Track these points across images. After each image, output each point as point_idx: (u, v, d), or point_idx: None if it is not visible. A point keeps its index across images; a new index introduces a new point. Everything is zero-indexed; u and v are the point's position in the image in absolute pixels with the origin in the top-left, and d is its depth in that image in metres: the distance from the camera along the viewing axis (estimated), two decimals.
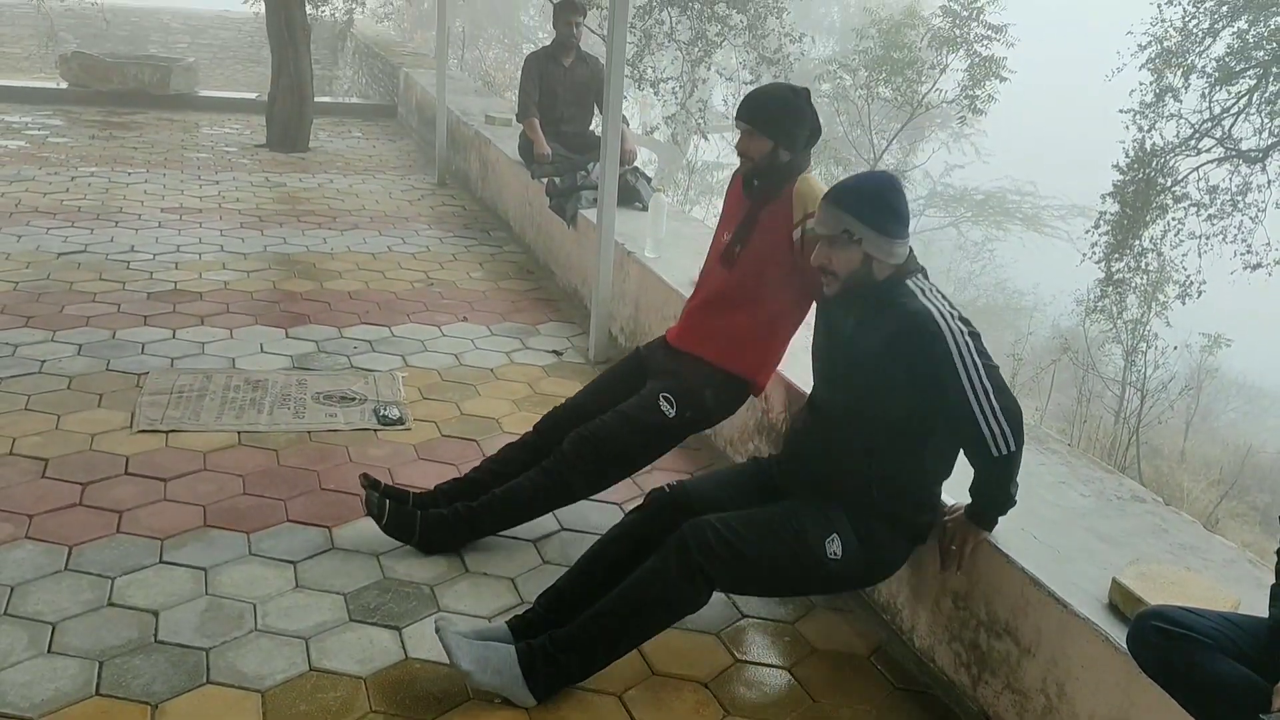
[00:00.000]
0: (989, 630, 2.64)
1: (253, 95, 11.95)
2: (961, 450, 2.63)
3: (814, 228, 2.72)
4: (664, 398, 3.24)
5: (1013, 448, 2.52)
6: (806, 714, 2.67)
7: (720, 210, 3.55)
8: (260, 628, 2.83)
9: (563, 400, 3.52)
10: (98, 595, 2.91)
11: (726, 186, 3.51)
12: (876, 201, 2.62)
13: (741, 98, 3.33)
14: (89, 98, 11.10)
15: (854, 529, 2.67)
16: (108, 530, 3.24)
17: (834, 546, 2.65)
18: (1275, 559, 2.14)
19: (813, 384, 2.94)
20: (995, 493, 2.60)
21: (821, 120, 3.34)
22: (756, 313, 3.28)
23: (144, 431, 3.91)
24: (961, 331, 2.54)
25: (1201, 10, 12.04)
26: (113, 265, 5.89)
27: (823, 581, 2.75)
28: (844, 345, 2.73)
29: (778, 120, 3.17)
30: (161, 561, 3.10)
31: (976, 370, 2.51)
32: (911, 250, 2.70)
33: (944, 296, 2.65)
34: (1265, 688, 1.90)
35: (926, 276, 2.70)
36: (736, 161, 3.37)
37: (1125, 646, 2.15)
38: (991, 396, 2.50)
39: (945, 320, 2.54)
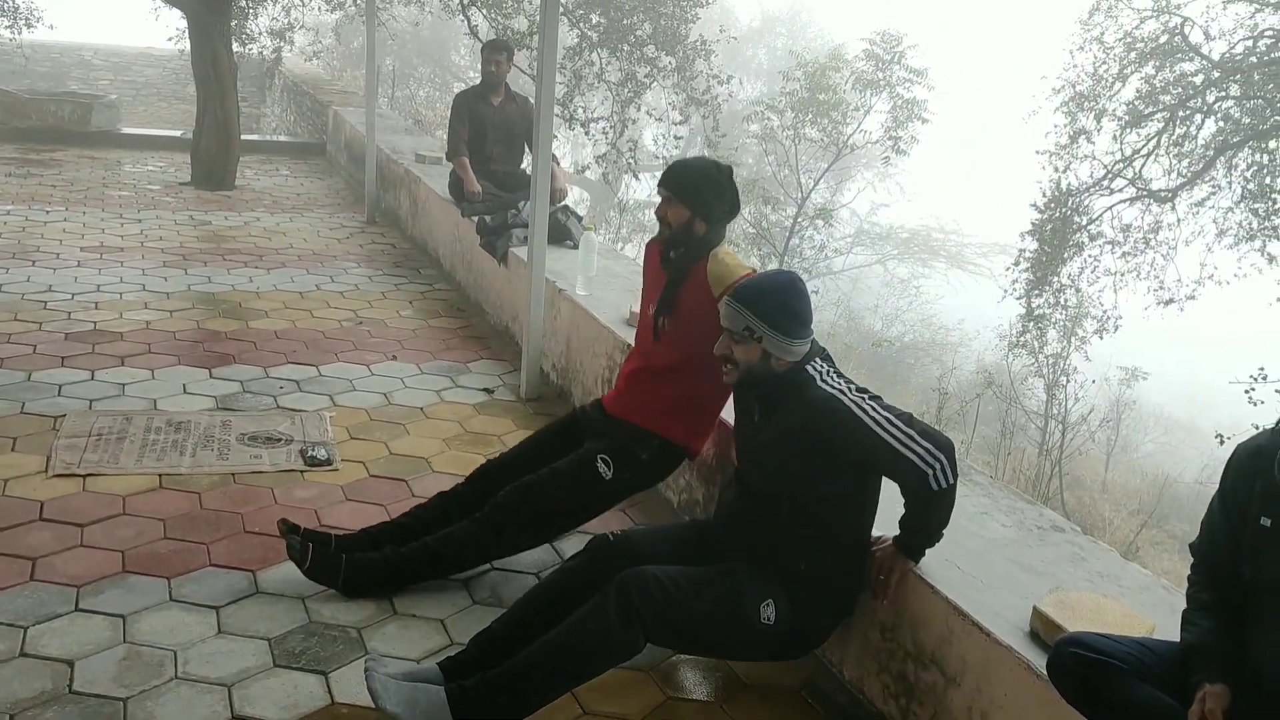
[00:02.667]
0: (916, 660, 2.68)
1: (177, 133, 11.78)
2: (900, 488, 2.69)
3: (720, 319, 2.78)
4: (602, 459, 3.26)
5: (951, 480, 2.59)
6: None
7: (642, 279, 3.58)
8: (181, 675, 2.75)
9: (495, 439, 3.51)
10: (9, 645, 2.81)
11: (644, 257, 3.55)
12: (776, 303, 2.72)
13: (668, 165, 3.39)
14: (6, 135, 10.84)
15: (789, 599, 2.72)
16: (20, 578, 3.14)
17: (768, 611, 2.70)
18: (1187, 585, 2.21)
19: (738, 460, 2.99)
20: (925, 524, 2.66)
21: (751, 160, 3.40)
22: (688, 384, 3.31)
23: (60, 475, 3.81)
24: (863, 398, 2.66)
25: (1111, 56, 12.52)
26: (29, 305, 5.74)
27: (751, 645, 2.77)
28: (754, 431, 2.83)
29: (698, 191, 3.23)
30: (77, 609, 3.00)
31: (890, 423, 2.59)
32: (814, 339, 2.79)
33: (840, 376, 2.76)
34: (1180, 711, 1.96)
35: (826, 359, 2.79)
36: None
37: (1046, 674, 2.19)
38: (917, 437, 2.57)
39: (845, 396, 2.65)
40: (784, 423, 2.72)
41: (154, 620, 2.99)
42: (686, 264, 3.26)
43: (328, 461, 4.11)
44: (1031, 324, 13.10)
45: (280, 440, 4.27)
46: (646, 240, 3.52)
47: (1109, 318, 13.01)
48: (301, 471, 4.02)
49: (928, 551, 2.70)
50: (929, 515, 2.64)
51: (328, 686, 2.76)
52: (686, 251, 3.26)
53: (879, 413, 2.61)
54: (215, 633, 2.96)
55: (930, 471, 2.55)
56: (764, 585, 2.71)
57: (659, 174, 3.48)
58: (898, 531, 2.72)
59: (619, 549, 2.81)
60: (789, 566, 2.73)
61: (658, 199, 3.36)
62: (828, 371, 2.74)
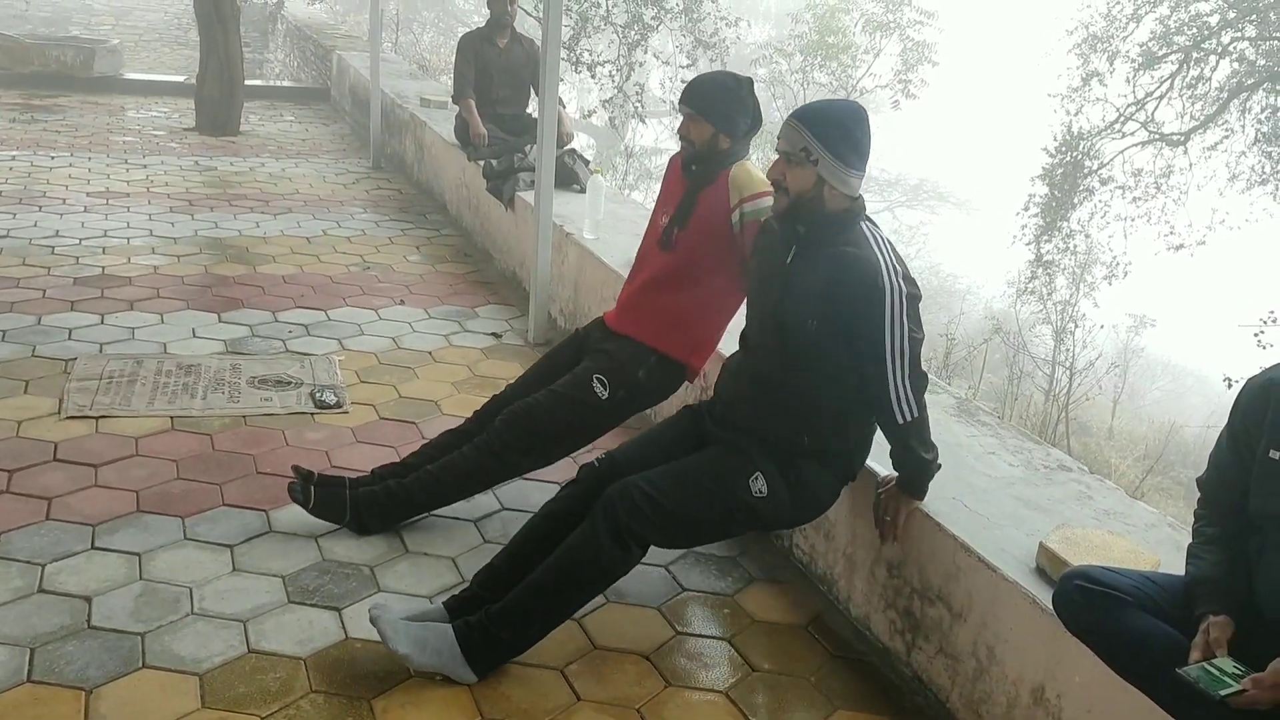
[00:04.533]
0: (922, 597, 2.71)
1: (181, 78, 11.67)
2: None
3: (776, 144, 2.70)
4: (597, 378, 3.24)
5: (916, 414, 2.58)
6: (746, 683, 2.72)
7: (658, 192, 3.56)
8: (197, 611, 2.80)
9: (503, 382, 3.52)
10: (28, 582, 2.85)
11: (665, 169, 3.52)
12: (839, 128, 2.60)
13: (688, 82, 3.34)
14: (9, 80, 10.76)
15: (781, 469, 2.69)
16: (37, 517, 3.18)
17: (759, 484, 2.67)
18: (1193, 520, 2.23)
19: (745, 325, 2.94)
20: (911, 459, 2.64)
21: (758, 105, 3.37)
22: (692, 295, 3.29)
23: (73, 418, 3.84)
24: (901, 291, 2.55)
25: None
26: (37, 250, 5.74)
27: (751, 520, 2.74)
28: (780, 280, 2.71)
29: (720, 106, 3.19)
30: (93, 547, 3.04)
31: (901, 336, 2.54)
32: (862, 196, 2.71)
33: (893, 249, 2.65)
34: (1183, 643, 1.98)
35: (876, 226, 2.70)
36: (674, 147, 3.39)
37: (1051, 608, 2.22)
38: (905, 364, 2.55)
39: (890, 277, 2.54)
40: (821, 270, 2.60)
41: (169, 558, 3.03)
42: (710, 173, 3.23)
43: (337, 404, 4.13)
44: (1040, 270, 13.04)
45: (290, 383, 4.29)
46: (669, 158, 3.48)
47: (1118, 264, 12.95)
48: (311, 414, 4.05)
49: (934, 491, 2.71)
50: (905, 447, 2.62)
51: (341, 622, 2.80)
52: (710, 165, 3.24)
53: (900, 321, 2.53)
54: (230, 570, 3.00)
55: (896, 406, 2.55)
56: (751, 461, 2.68)
57: (666, 119, 3.45)
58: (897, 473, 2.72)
59: (605, 471, 2.78)
60: (790, 438, 2.69)
61: (664, 144, 3.33)
62: (882, 239, 2.62)
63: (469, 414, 3.98)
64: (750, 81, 3.29)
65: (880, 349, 2.54)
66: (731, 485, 2.67)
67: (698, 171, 3.26)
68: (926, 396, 2.64)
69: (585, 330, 3.53)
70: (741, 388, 2.82)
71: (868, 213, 2.74)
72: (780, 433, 2.71)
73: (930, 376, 2.73)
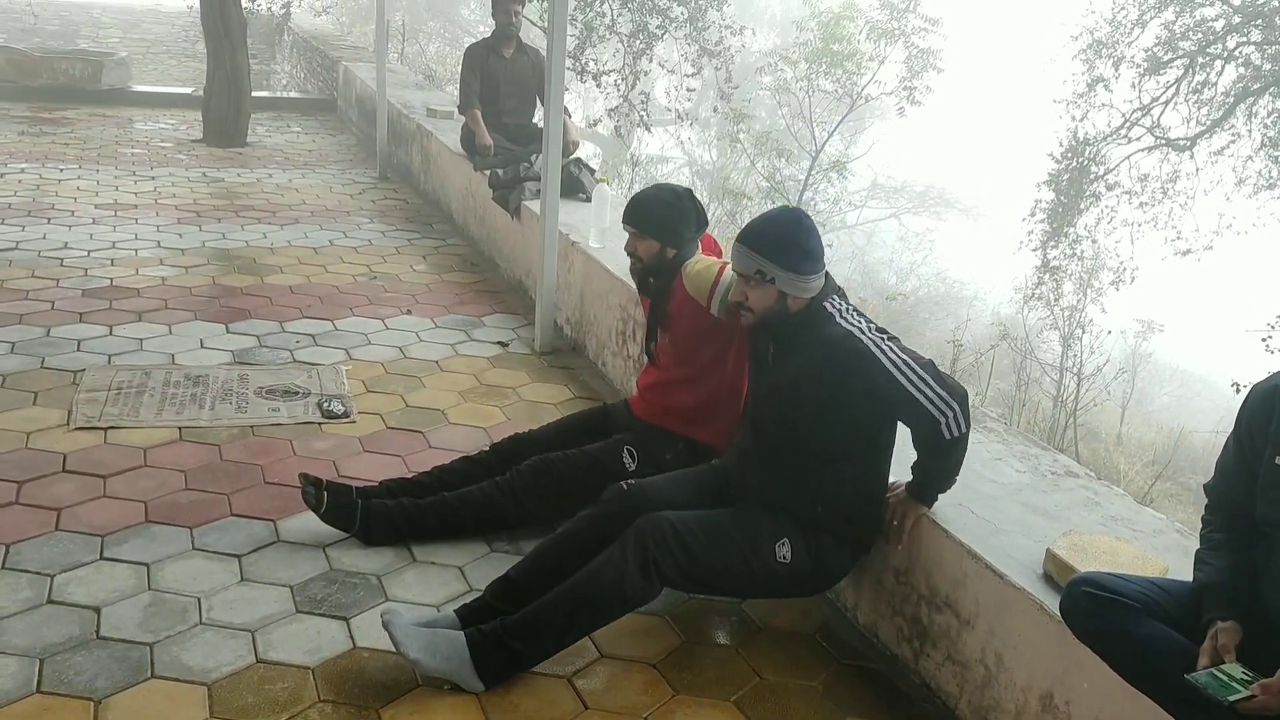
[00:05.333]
0: (930, 604, 2.71)
1: (188, 90, 11.73)
2: (911, 435, 2.69)
3: (730, 266, 2.77)
4: (628, 450, 3.31)
5: (964, 429, 2.60)
6: (754, 691, 2.71)
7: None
8: (205, 621, 2.80)
9: (510, 391, 3.54)
10: (37, 593, 2.87)
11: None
12: (787, 243, 2.68)
13: (629, 200, 3.40)
14: (18, 94, 10.82)
15: (804, 539, 2.74)
16: (46, 528, 3.19)
17: (784, 550, 2.72)
18: (1201, 526, 2.23)
19: (749, 403, 2.99)
20: (937, 471, 2.67)
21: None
22: (706, 389, 3.32)
23: (81, 429, 3.85)
24: (881, 338, 2.64)
25: (1130, 1, 12.33)
26: (46, 262, 5.77)
27: (770, 584, 2.80)
28: (768, 372, 2.82)
29: (661, 222, 3.27)
30: (102, 558, 3.06)
31: (908, 366, 2.59)
32: (828, 274, 2.77)
33: (860, 314, 2.74)
34: (1191, 649, 1.98)
35: (843, 297, 2.78)
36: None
37: (1059, 614, 2.21)
38: (932, 384, 2.57)
39: (864, 335, 2.63)
40: (800, 362, 2.72)
41: (177, 568, 3.04)
42: (666, 285, 3.31)
43: (345, 414, 4.14)
44: (1047, 275, 13.03)
45: (297, 393, 4.31)
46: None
47: (1125, 269, 12.94)
48: (319, 424, 4.06)
49: (941, 497, 2.72)
50: (941, 463, 2.65)
51: (349, 632, 2.81)
52: (664, 276, 3.31)
53: (897, 354, 2.60)
54: (238, 580, 3.00)
55: (943, 420, 2.56)
56: (779, 526, 2.73)
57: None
58: (910, 478, 2.73)
59: (634, 498, 2.83)
60: (805, 510, 2.74)
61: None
62: (846, 309, 2.72)
63: (475, 423, 4.00)
64: (689, 192, 3.37)
65: (900, 388, 2.57)
66: (759, 545, 2.71)
67: (655, 285, 3.34)
68: None
69: (612, 408, 3.60)
70: (751, 465, 2.88)
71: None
72: (794, 503, 2.76)
73: None
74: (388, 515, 3.23)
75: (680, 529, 2.65)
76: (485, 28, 17.22)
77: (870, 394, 2.63)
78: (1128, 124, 12.49)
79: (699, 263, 3.19)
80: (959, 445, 2.62)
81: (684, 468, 3.36)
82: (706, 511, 2.77)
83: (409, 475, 3.48)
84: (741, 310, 2.78)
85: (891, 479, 2.81)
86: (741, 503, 2.83)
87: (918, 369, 2.58)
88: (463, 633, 2.63)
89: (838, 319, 2.69)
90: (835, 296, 2.75)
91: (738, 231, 2.82)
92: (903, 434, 2.73)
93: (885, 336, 2.66)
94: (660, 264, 3.30)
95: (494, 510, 3.28)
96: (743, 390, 3.36)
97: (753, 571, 2.72)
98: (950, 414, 2.56)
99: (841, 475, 2.74)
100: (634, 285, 3.52)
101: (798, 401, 2.73)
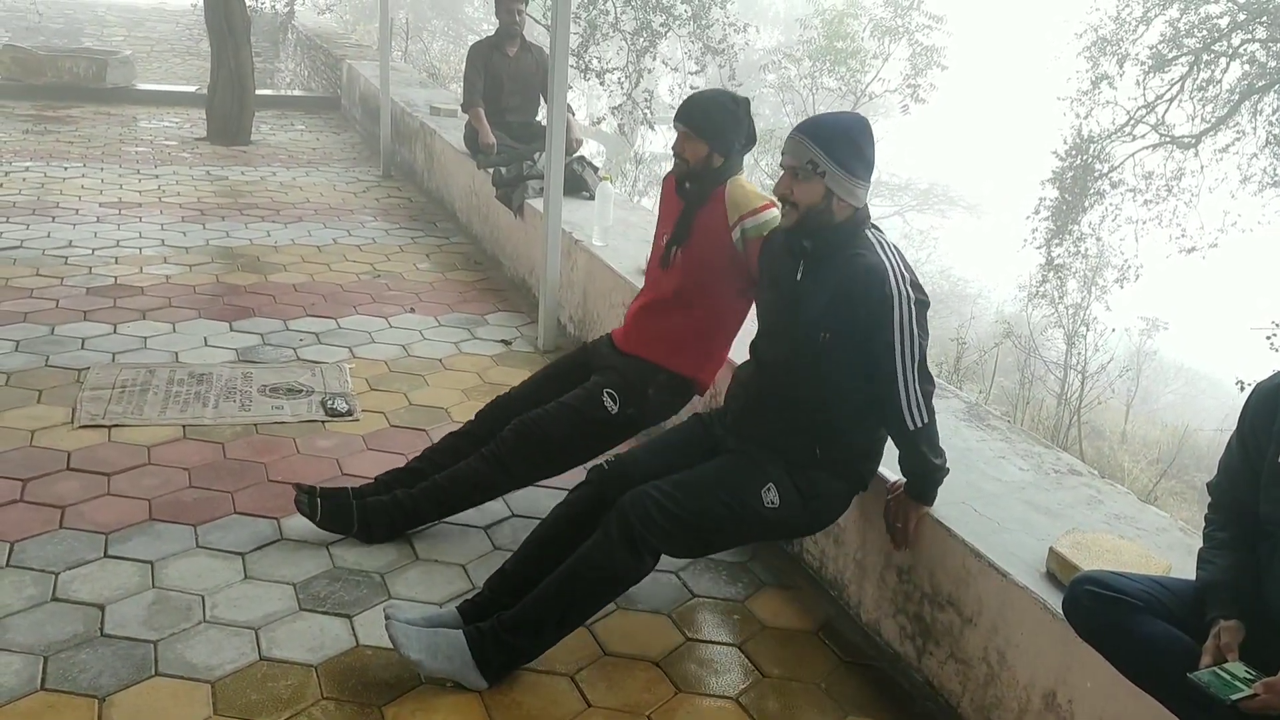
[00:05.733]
0: (932, 602, 2.70)
1: (192, 88, 11.74)
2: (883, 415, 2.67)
3: (781, 158, 2.73)
4: (607, 393, 3.25)
5: (926, 419, 2.59)
6: (756, 689, 2.72)
7: (658, 213, 3.57)
8: (209, 619, 2.81)
9: (508, 389, 3.53)
10: (41, 590, 2.87)
11: (661, 188, 3.53)
12: (845, 139, 2.61)
13: (685, 98, 3.34)
14: (22, 92, 10.84)
15: (793, 479, 2.70)
16: (50, 526, 3.19)
17: (770, 495, 2.69)
18: (1204, 524, 2.22)
19: (756, 336, 2.94)
20: (921, 465, 2.64)
21: (768, 111, 3.38)
22: (698, 314, 3.30)
23: (85, 427, 3.86)
24: (909, 297, 2.57)
25: None
26: (50, 260, 5.78)
27: (763, 530, 2.77)
28: (789, 292, 2.73)
29: (715, 125, 3.19)
30: (106, 556, 3.06)
31: (911, 341, 2.56)
32: (866, 204, 2.71)
33: (900, 255, 2.66)
34: (1194, 647, 1.98)
35: (881, 233, 2.71)
36: None
37: (1062, 613, 2.21)
38: (915, 369, 2.56)
39: (897, 283, 2.56)
40: (830, 281, 2.62)
41: (181, 566, 3.04)
42: (705, 190, 3.24)
43: (348, 412, 4.15)
44: (1051, 273, 13.01)
45: (301, 391, 4.31)
46: (664, 176, 3.51)
47: (1130, 267, 12.92)
48: (323, 422, 4.06)
49: (944, 495, 2.71)
50: (916, 450, 2.62)
51: (353, 630, 2.81)
52: (704, 182, 3.24)
53: (911, 329, 2.55)
54: (241, 578, 3.01)
55: (907, 410, 2.56)
56: (763, 471, 2.69)
57: (698, 90, 3.43)
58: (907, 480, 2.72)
59: (615, 475, 2.79)
60: (802, 448, 2.70)
61: (674, 151, 3.33)
62: (888, 244, 2.63)
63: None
64: (747, 102, 3.29)
65: (890, 354, 2.55)
66: (744, 495, 2.68)
67: (692, 190, 3.27)
68: (936, 401, 2.65)
69: (593, 345, 3.54)
70: (752, 400, 2.83)
71: (875, 220, 2.74)
72: (792, 444, 2.72)
73: (940, 381, 2.74)
74: (383, 511, 3.22)
75: (662, 499, 2.60)
76: (489, 25, 17.22)
77: (867, 337, 2.57)
78: (1132, 121, 12.47)
79: (750, 185, 3.19)
80: (923, 435, 2.60)
81: (667, 406, 3.36)
82: (688, 473, 2.71)
83: (400, 467, 3.45)
84: (784, 205, 2.68)
85: (892, 478, 2.81)
86: (731, 450, 2.78)
87: (915, 352, 2.55)
88: (462, 631, 2.63)
89: (878, 248, 2.60)
90: (875, 228, 2.68)
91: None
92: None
93: (914, 298, 2.57)
94: (704, 169, 3.22)
95: (484, 482, 3.24)
96: (733, 334, 3.37)
97: (743, 523, 2.68)
98: (916, 403, 2.56)
99: (845, 413, 2.69)
100: (667, 186, 3.40)
101: (817, 324, 2.64)
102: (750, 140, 3.27)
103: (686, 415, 3.45)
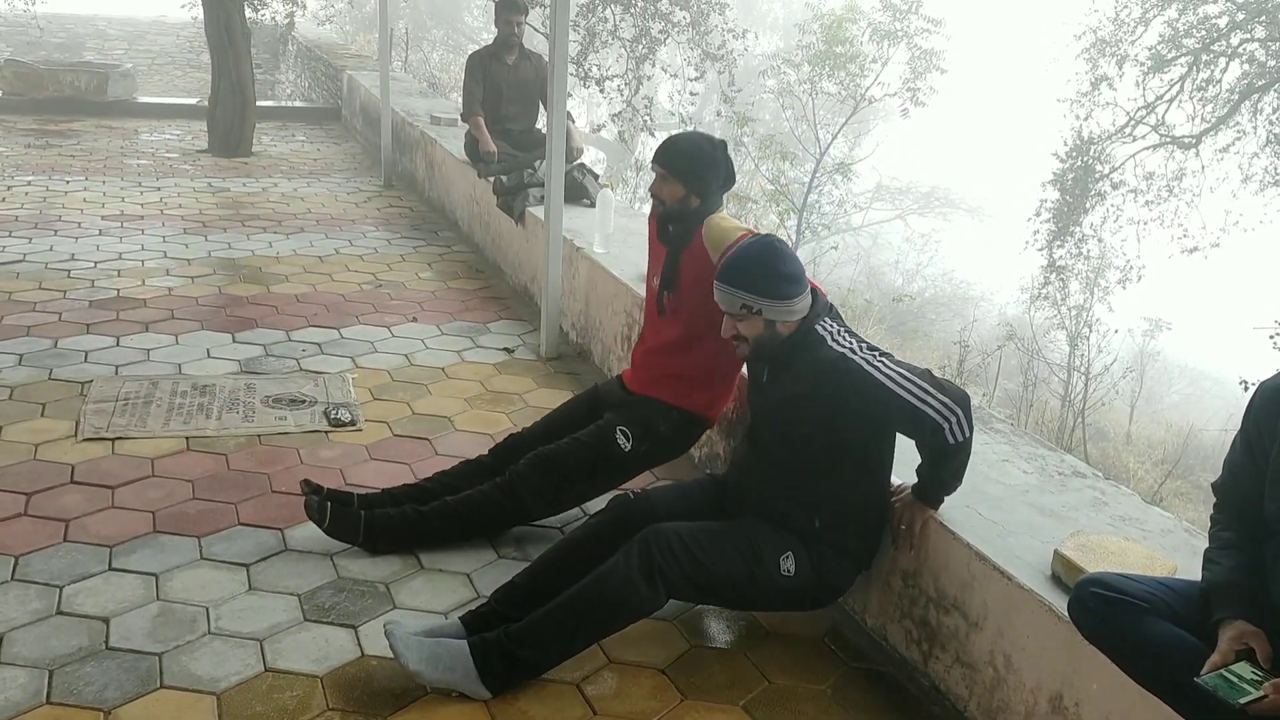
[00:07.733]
0: (938, 606, 2.70)
1: (193, 100, 11.78)
2: (915, 444, 2.69)
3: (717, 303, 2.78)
4: (621, 430, 3.29)
5: (968, 433, 2.60)
6: (763, 695, 2.71)
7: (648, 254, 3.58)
8: (214, 630, 2.81)
9: (516, 397, 3.54)
10: (46, 604, 2.87)
11: (647, 229, 3.54)
12: (764, 273, 2.68)
13: (662, 141, 3.38)
14: (24, 106, 10.88)
15: (808, 551, 2.74)
16: (54, 539, 3.20)
17: (788, 564, 2.72)
18: (1209, 525, 2.22)
19: (749, 418, 3.00)
20: (946, 477, 2.67)
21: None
22: (701, 356, 3.32)
23: (89, 440, 3.86)
24: (874, 355, 2.65)
25: None
26: (53, 274, 5.79)
27: (774, 596, 2.79)
28: (764, 392, 2.84)
29: (691, 167, 3.23)
30: (110, 568, 3.06)
31: (904, 378, 2.59)
32: (815, 292, 2.77)
33: (852, 334, 2.74)
34: (1200, 649, 1.97)
35: (835, 318, 2.77)
36: None
37: (1067, 615, 2.21)
38: (932, 391, 2.57)
39: (856, 355, 2.64)
40: (794, 384, 2.72)
41: (185, 578, 3.04)
42: (685, 235, 3.27)
43: (351, 422, 4.15)
44: (1053, 275, 13.00)
45: (304, 402, 4.31)
46: (648, 217, 3.53)
47: (1132, 267, 12.90)
48: (326, 432, 4.06)
49: (948, 499, 2.71)
50: (945, 468, 2.65)
51: (358, 640, 2.81)
52: (684, 224, 3.28)
53: (891, 369, 2.60)
54: (246, 589, 3.01)
55: (946, 425, 2.55)
56: (782, 539, 2.73)
57: (675, 132, 3.46)
58: (915, 481, 2.73)
59: (639, 507, 2.85)
60: (804, 524, 2.74)
61: (651, 192, 3.35)
62: (838, 331, 2.72)
63: (482, 429, 4.00)
64: (724, 144, 3.34)
65: (898, 401, 2.57)
66: (764, 558, 2.71)
67: (674, 232, 3.31)
68: None
69: (605, 386, 3.58)
70: (752, 479, 2.88)
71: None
72: (792, 516, 2.76)
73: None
74: (391, 524, 3.23)
75: (686, 539, 2.66)
76: (488, 34, 17.26)
77: (867, 411, 2.64)
78: (1132, 122, 12.46)
79: (725, 220, 3.19)
80: (964, 449, 2.62)
81: (679, 442, 3.41)
82: (711, 523, 2.77)
83: (411, 482, 3.48)
84: (735, 342, 2.78)
85: (896, 482, 2.81)
86: (742, 516, 2.83)
87: (915, 379, 2.58)
88: (466, 641, 2.63)
89: (829, 341, 2.69)
90: (827, 319, 2.74)
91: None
92: (905, 442, 2.71)
93: (877, 354, 2.67)
94: (683, 211, 3.26)
95: (496, 510, 3.27)
96: (735, 366, 3.38)
97: (757, 583, 2.72)
98: (954, 419, 2.56)
99: (839, 488, 2.74)
100: (651, 230, 3.44)
101: (794, 420, 2.74)
102: (729, 180, 3.31)
103: (700, 445, 3.44)
